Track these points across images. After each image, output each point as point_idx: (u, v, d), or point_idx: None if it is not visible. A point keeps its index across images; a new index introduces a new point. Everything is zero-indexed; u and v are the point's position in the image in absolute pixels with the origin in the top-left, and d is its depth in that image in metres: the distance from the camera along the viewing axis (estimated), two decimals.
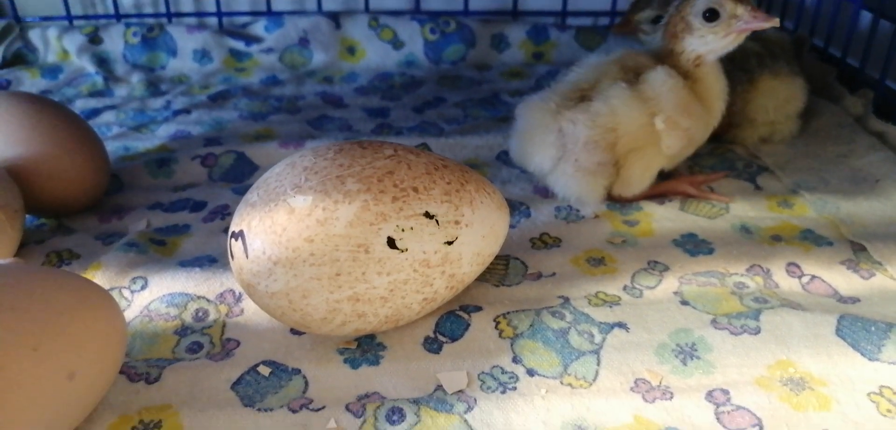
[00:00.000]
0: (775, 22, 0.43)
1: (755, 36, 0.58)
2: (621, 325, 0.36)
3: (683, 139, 0.46)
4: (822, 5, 0.66)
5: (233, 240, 0.33)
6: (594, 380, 0.33)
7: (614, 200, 0.48)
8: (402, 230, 0.31)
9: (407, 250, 0.32)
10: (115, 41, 0.74)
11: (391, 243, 0.31)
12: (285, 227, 0.31)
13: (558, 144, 0.45)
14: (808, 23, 0.68)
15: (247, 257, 0.32)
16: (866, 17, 0.59)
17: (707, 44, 0.45)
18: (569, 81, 0.47)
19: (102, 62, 0.73)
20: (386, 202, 0.31)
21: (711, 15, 0.44)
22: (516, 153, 0.48)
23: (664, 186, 0.48)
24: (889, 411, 0.31)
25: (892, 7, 0.56)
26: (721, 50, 0.45)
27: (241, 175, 0.53)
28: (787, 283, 0.40)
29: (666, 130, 0.44)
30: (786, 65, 0.55)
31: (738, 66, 0.54)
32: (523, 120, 0.47)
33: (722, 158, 0.54)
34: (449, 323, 0.36)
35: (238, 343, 0.35)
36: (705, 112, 0.46)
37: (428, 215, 0.32)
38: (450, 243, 0.33)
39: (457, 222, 0.33)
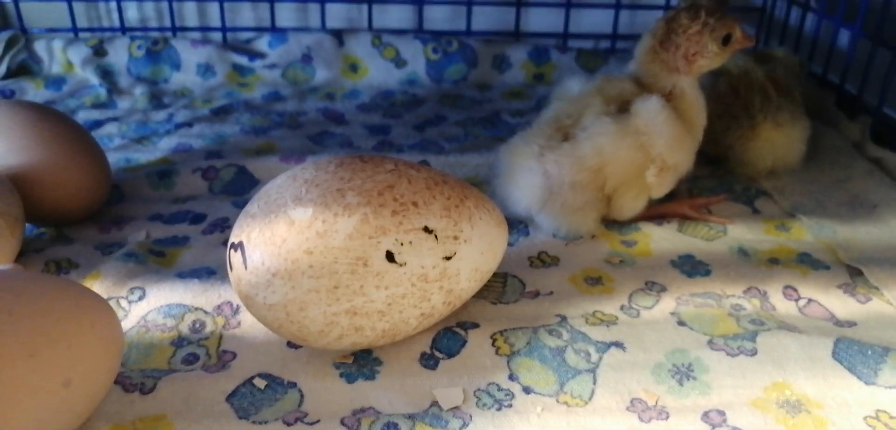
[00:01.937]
0: (752, 41, 0.46)
1: (764, 58, 0.58)
2: (618, 344, 0.36)
3: (673, 180, 0.46)
4: (821, 31, 0.67)
5: (232, 251, 0.33)
6: (590, 399, 0.33)
7: (611, 222, 0.48)
8: (401, 244, 0.32)
9: (405, 264, 0.32)
10: (119, 54, 0.75)
11: (390, 256, 0.31)
12: (285, 239, 0.31)
13: (544, 186, 0.44)
14: (807, 49, 0.68)
15: (246, 268, 0.32)
16: (865, 44, 0.60)
17: (712, 65, 0.46)
18: (550, 118, 0.46)
19: (106, 74, 0.73)
20: (385, 216, 0.32)
21: (727, 39, 0.45)
22: (501, 196, 0.46)
23: (663, 209, 0.49)
24: None
25: (891, 35, 0.57)
26: (712, 67, 0.46)
27: (241, 189, 0.53)
28: (783, 306, 0.40)
29: (656, 179, 0.44)
30: (789, 105, 0.54)
31: (741, 103, 0.54)
32: (506, 163, 0.46)
33: (721, 181, 0.54)
34: (446, 339, 0.36)
35: (234, 355, 0.35)
36: (689, 134, 0.46)
37: (427, 230, 0.32)
38: (448, 258, 0.33)
39: (456, 238, 0.33)
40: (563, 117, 0.45)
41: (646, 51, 0.46)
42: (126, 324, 0.37)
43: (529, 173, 0.44)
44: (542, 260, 0.44)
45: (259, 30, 0.79)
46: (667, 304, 0.39)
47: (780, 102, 0.53)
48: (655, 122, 0.43)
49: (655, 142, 0.43)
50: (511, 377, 0.34)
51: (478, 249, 0.35)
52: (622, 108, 0.44)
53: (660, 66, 0.46)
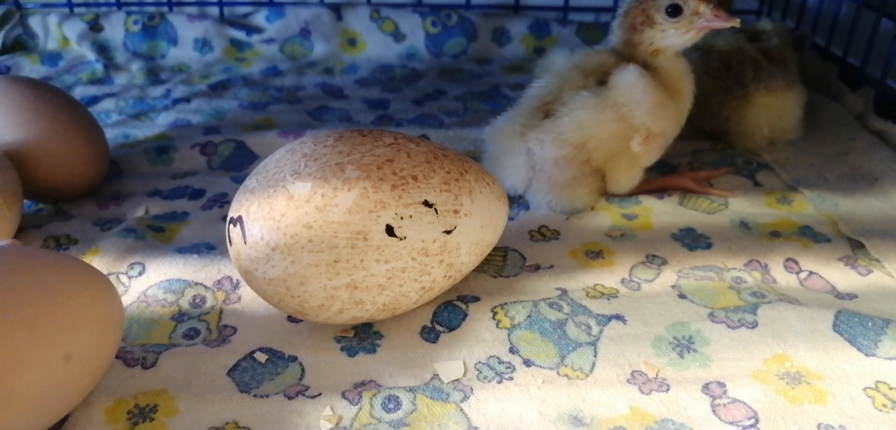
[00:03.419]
0: (735, 22, 0.42)
1: (754, 34, 0.58)
2: (619, 317, 0.36)
3: (661, 147, 0.45)
4: (824, 4, 0.66)
5: (231, 226, 0.33)
6: (591, 371, 0.33)
7: (612, 196, 0.48)
8: (401, 218, 0.31)
9: (405, 238, 0.32)
10: (115, 29, 0.74)
11: (390, 230, 0.31)
12: (284, 213, 0.31)
13: (528, 165, 0.44)
14: (810, 20, 0.68)
15: (245, 242, 0.32)
16: (868, 16, 0.59)
17: (667, 38, 0.44)
18: (532, 96, 0.45)
19: (103, 50, 0.73)
20: (385, 190, 0.31)
21: (674, 10, 0.43)
22: None
23: (665, 181, 0.48)
24: (884, 405, 0.31)
25: (893, 6, 0.56)
26: (680, 46, 0.44)
27: (240, 164, 0.53)
28: (784, 278, 0.40)
29: (643, 147, 0.44)
30: (783, 74, 0.54)
31: (733, 76, 0.54)
32: (491, 145, 0.46)
33: (722, 154, 0.54)
34: (446, 313, 0.36)
35: (235, 330, 0.35)
36: (675, 102, 0.45)
37: (427, 204, 0.32)
38: (448, 232, 0.33)
39: (456, 212, 0.33)
40: (545, 95, 0.45)
41: (620, 23, 0.46)
42: (126, 299, 0.37)
43: (513, 154, 0.44)
44: (543, 234, 0.44)
45: (256, 4, 0.78)
46: (668, 277, 0.39)
47: (773, 70, 0.53)
48: (634, 91, 0.42)
49: (635, 111, 0.43)
50: (512, 350, 0.34)
51: (478, 222, 0.35)
52: (602, 81, 0.44)
53: (625, 33, 0.45)
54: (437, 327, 0.35)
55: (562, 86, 0.45)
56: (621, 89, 0.43)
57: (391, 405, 0.31)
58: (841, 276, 0.40)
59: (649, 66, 0.44)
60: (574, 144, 0.43)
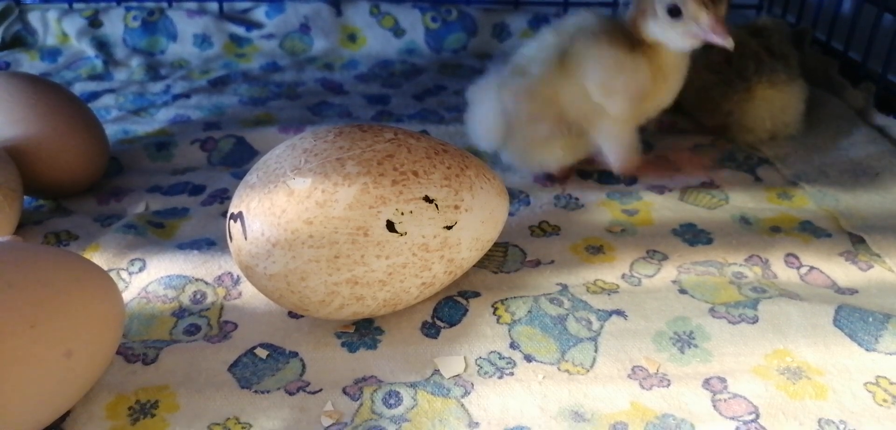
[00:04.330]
0: (729, 44, 0.41)
1: (755, 30, 0.58)
2: (619, 312, 0.36)
3: (631, 98, 0.44)
4: None
5: (232, 222, 0.33)
6: (592, 367, 0.33)
7: (613, 191, 0.48)
8: (402, 214, 0.31)
9: (406, 233, 0.32)
10: (115, 25, 0.74)
11: (390, 226, 0.31)
12: (285, 209, 0.31)
13: (503, 120, 0.45)
14: (811, 16, 0.67)
15: (245, 238, 0.32)
16: (870, 11, 0.59)
17: (665, 36, 0.43)
18: (513, 60, 0.46)
19: (102, 46, 0.73)
20: (385, 186, 0.31)
21: (674, 11, 0.42)
22: (470, 135, 0.48)
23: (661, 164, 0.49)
24: (885, 400, 0.31)
25: (895, 1, 0.56)
26: (679, 48, 0.44)
27: (240, 160, 0.53)
28: (785, 273, 0.40)
29: (606, 98, 0.43)
30: (784, 68, 0.54)
31: (735, 70, 0.54)
32: (469, 101, 0.47)
33: (722, 149, 0.54)
34: (447, 308, 0.36)
35: (235, 326, 0.35)
36: (657, 85, 0.45)
37: (427, 200, 0.32)
38: (449, 227, 0.33)
39: (456, 207, 0.33)
40: (524, 60, 0.46)
41: (635, 2, 0.45)
42: (127, 295, 0.37)
43: (488, 108, 0.45)
44: (543, 229, 0.44)
45: (256, 0, 0.78)
46: (668, 272, 0.39)
47: (775, 65, 0.53)
48: (590, 73, 0.43)
49: (588, 76, 0.43)
50: (512, 346, 0.34)
51: (478, 218, 0.35)
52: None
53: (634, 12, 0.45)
54: (438, 322, 0.35)
55: (539, 50, 0.45)
56: (574, 53, 0.43)
57: (392, 401, 0.31)
58: (841, 271, 0.40)
59: (646, 45, 0.44)
60: (545, 99, 0.44)
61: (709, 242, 0.42)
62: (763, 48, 0.55)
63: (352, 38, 0.75)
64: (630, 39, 0.44)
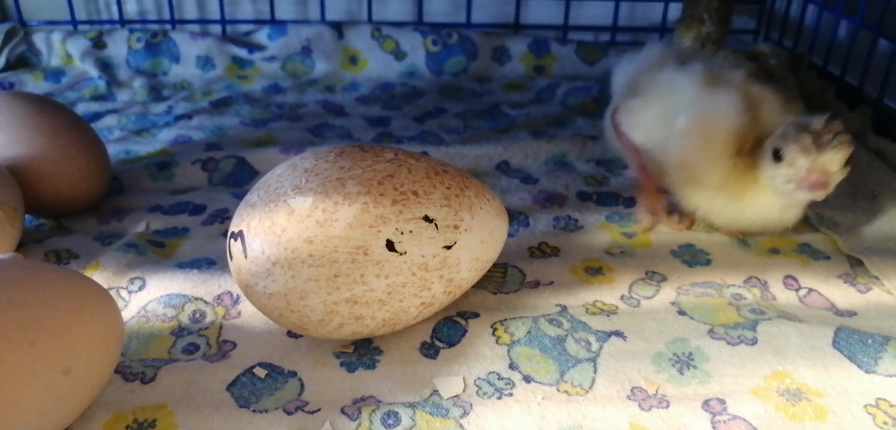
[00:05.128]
0: (819, 197, 0.38)
1: (753, 56, 0.58)
2: (618, 333, 0.36)
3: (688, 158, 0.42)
4: (821, 24, 0.67)
5: (232, 240, 0.33)
6: (591, 388, 0.33)
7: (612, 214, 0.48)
8: (401, 233, 0.32)
9: (405, 253, 0.32)
10: (118, 46, 0.75)
11: (390, 245, 0.31)
12: (285, 228, 0.31)
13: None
14: (807, 41, 0.68)
15: (246, 257, 0.32)
16: (866, 36, 0.60)
17: (771, 179, 0.39)
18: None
19: (105, 67, 0.73)
20: (386, 205, 0.32)
21: (776, 155, 0.38)
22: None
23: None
24: (885, 423, 0.31)
25: (891, 26, 0.57)
26: (785, 194, 0.39)
27: (241, 180, 0.53)
28: (784, 295, 0.40)
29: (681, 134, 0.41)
30: (783, 89, 0.55)
31: None
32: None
33: None
34: (446, 329, 0.36)
35: (234, 345, 0.35)
36: (726, 194, 0.41)
37: (427, 219, 0.32)
38: (448, 247, 0.33)
39: (456, 227, 0.33)
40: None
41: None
42: (126, 314, 0.37)
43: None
44: (542, 251, 0.44)
45: (258, 22, 0.79)
46: (667, 293, 0.39)
47: (774, 86, 0.54)
48: (707, 117, 0.40)
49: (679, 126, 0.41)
50: (511, 366, 0.34)
51: (478, 238, 0.35)
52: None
53: None
54: (437, 342, 0.35)
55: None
56: (702, 105, 0.40)
57: (390, 421, 0.31)
58: (840, 293, 0.40)
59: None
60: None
61: (708, 263, 0.42)
62: (761, 71, 0.55)
63: (353, 60, 0.76)
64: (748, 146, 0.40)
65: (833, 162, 0.36)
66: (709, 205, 0.43)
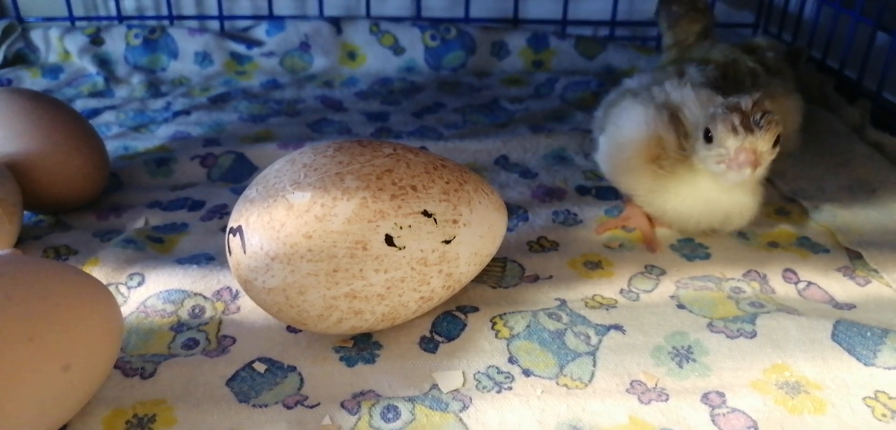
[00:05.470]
0: (743, 178, 0.37)
1: (750, 49, 0.58)
2: (618, 327, 0.36)
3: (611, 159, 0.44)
4: (820, 17, 0.67)
5: (231, 236, 0.33)
6: (590, 381, 0.33)
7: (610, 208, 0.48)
8: (400, 228, 0.32)
9: (405, 247, 0.32)
10: (116, 42, 0.74)
11: (389, 240, 0.31)
12: (284, 223, 0.31)
13: None
14: (806, 35, 0.68)
15: (245, 252, 0.32)
16: (864, 29, 0.60)
17: (703, 162, 0.38)
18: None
19: (103, 63, 0.73)
20: (384, 200, 0.32)
21: (707, 136, 0.38)
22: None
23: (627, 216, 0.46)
24: (884, 415, 0.31)
25: (889, 19, 0.57)
26: (718, 176, 0.38)
27: (239, 176, 0.53)
28: (783, 289, 0.40)
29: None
30: (781, 82, 0.55)
31: (731, 85, 0.54)
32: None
33: None
34: (445, 323, 0.36)
35: (234, 340, 0.35)
36: (687, 195, 0.41)
37: (426, 214, 0.32)
38: (447, 241, 0.33)
39: (455, 222, 0.33)
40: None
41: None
42: (125, 310, 0.37)
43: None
44: (542, 245, 0.44)
45: (256, 18, 0.79)
46: (666, 287, 0.39)
47: (771, 80, 0.54)
48: (616, 131, 0.44)
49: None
50: (511, 360, 0.34)
51: (477, 233, 0.35)
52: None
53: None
54: (437, 337, 0.35)
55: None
56: (615, 114, 0.44)
57: (390, 415, 0.31)
58: (839, 286, 0.40)
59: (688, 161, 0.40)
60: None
61: (707, 257, 0.42)
62: (759, 65, 0.55)
63: (351, 56, 0.76)
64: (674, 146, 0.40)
65: (762, 141, 0.36)
66: (660, 207, 0.42)
